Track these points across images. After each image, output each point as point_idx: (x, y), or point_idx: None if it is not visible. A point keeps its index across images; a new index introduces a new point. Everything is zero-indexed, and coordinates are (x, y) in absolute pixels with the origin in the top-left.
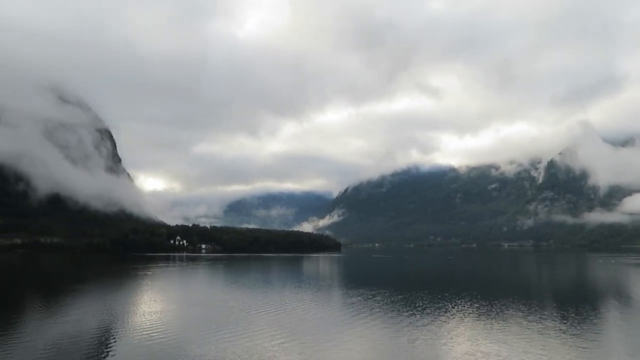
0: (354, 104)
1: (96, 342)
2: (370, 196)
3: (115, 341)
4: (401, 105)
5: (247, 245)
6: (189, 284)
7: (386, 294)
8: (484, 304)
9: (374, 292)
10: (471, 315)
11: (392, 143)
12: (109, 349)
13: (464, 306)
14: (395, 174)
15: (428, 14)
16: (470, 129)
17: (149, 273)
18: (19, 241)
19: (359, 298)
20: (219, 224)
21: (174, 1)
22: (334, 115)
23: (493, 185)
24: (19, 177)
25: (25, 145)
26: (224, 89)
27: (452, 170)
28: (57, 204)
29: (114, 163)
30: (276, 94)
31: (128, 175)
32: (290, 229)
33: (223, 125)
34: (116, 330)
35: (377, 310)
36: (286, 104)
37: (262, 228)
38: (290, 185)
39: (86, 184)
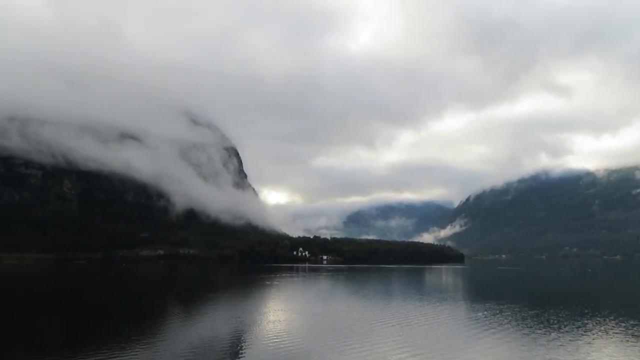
0: (473, 109)
1: (228, 348)
2: (494, 205)
3: (244, 348)
4: (525, 107)
5: (366, 256)
6: (311, 294)
7: (516, 309)
8: (632, 324)
9: (502, 307)
10: (616, 336)
11: (517, 148)
12: (239, 356)
13: (607, 325)
14: (521, 181)
15: (550, 8)
16: (608, 128)
17: (274, 283)
18: (161, 252)
19: (486, 312)
20: (338, 235)
21: (288, 21)
22: (453, 122)
23: (638, 190)
24: (160, 195)
25: (164, 165)
26: (339, 102)
27: (588, 174)
28: (192, 218)
29: (240, 179)
30: (391, 104)
31: (253, 189)
32: (410, 240)
33: (339, 138)
34: (245, 337)
35: (507, 325)
36: (402, 113)
37: (382, 239)
38: (408, 196)
39: (216, 199)
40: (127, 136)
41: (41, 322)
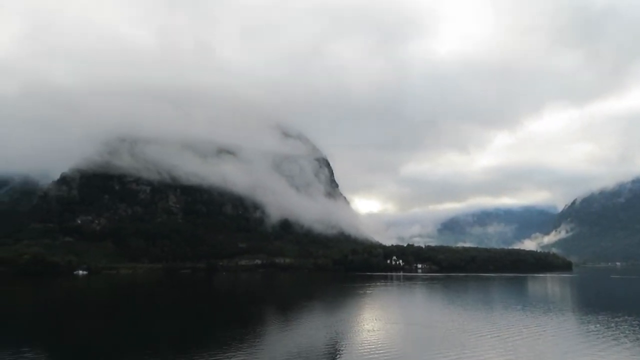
0: (575, 106)
1: (324, 356)
2: (604, 208)
3: (340, 357)
4: (636, 99)
5: (463, 264)
6: (406, 303)
7: (635, 323)
8: None
9: (617, 319)
10: None
11: (630, 145)
12: None
13: None
14: (636, 181)
15: None
16: None
17: (368, 291)
18: (259, 261)
19: (599, 325)
20: (433, 243)
21: (374, 30)
22: (552, 120)
23: None
24: (256, 206)
25: (258, 177)
26: (428, 107)
27: None
28: (287, 228)
29: (332, 188)
30: (484, 106)
31: (344, 199)
32: (510, 247)
33: (430, 143)
34: (341, 346)
35: (624, 340)
36: (496, 114)
37: (479, 247)
38: (507, 201)
39: (309, 209)
40: (223, 151)
41: (156, 326)
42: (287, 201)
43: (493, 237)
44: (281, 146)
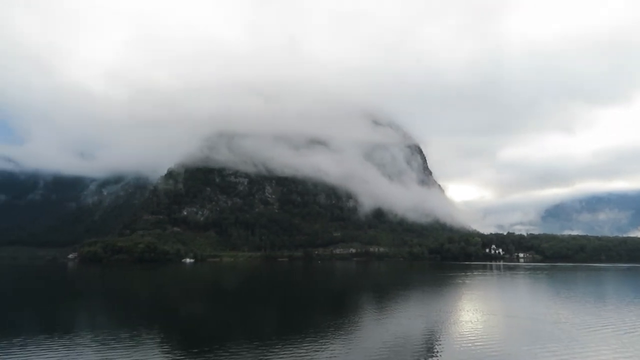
0: None
1: (419, 347)
2: None
3: (436, 348)
4: None
5: (570, 253)
6: (507, 294)
7: None
8: None
9: None
10: None
11: None
12: (433, 354)
13: None
14: None
15: None
16: None
17: (466, 281)
18: (353, 250)
19: None
20: (535, 231)
21: (465, 9)
22: None
23: None
24: (349, 195)
25: (350, 166)
26: (528, 87)
27: None
28: (380, 216)
29: (425, 176)
30: (591, 82)
31: (439, 186)
32: (625, 235)
33: (531, 126)
34: (437, 337)
35: None
36: (604, 91)
37: (588, 235)
38: (621, 184)
39: (402, 198)
40: (315, 142)
41: (256, 312)
42: (380, 190)
43: (605, 225)
44: (372, 135)
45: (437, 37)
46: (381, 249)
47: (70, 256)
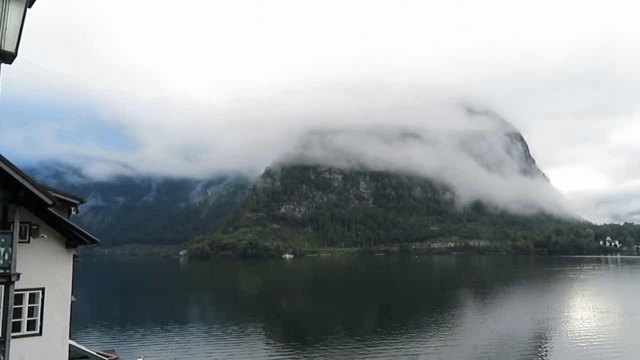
0: None
1: (528, 346)
2: None
3: (545, 347)
4: None
5: None
6: (624, 290)
7: None
8: None
9: None
10: None
11: None
12: (540, 355)
13: None
14: None
15: None
16: None
17: (578, 276)
18: (452, 244)
19: None
20: None
21: None
22: None
23: None
24: (445, 188)
25: (445, 158)
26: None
27: None
28: (479, 209)
29: (528, 165)
30: None
31: (543, 175)
32: None
33: None
34: (546, 335)
35: None
36: None
37: None
38: None
39: (502, 189)
40: (408, 135)
41: (357, 306)
42: (478, 181)
43: None
44: (467, 124)
45: (536, 15)
46: (482, 243)
47: (181, 253)
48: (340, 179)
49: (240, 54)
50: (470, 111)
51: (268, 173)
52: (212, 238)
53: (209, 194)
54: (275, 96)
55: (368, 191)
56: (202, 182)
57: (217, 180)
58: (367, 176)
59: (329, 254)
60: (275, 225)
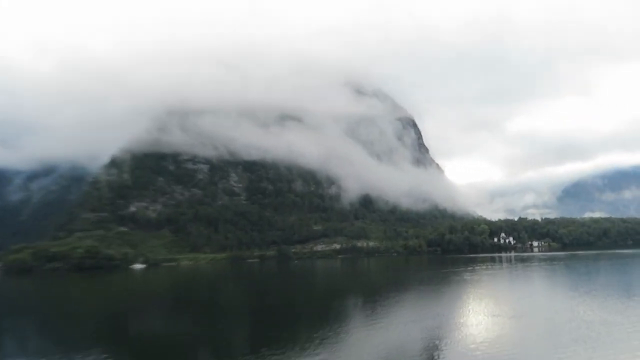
0: None
1: (417, 353)
2: None
3: (434, 356)
4: None
5: (592, 240)
6: (517, 291)
7: None
8: None
9: None
10: None
11: None
12: None
13: None
14: None
15: None
16: None
17: (471, 277)
18: (337, 246)
19: None
20: (552, 214)
21: None
22: None
23: None
24: (331, 180)
25: (330, 145)
26: (542, 46)
27: None
28: (369, 205)
29: (421, 154)
30: (614, 37)
31: (437, 166)
32: None
33: (545, 91)
34: (436, 345)
35: None
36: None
37: (613, 217)
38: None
39: (394, 181)
40: (287, 117)
41: (223, 326)
42: (367, 172)
43: (631, 205)
44: (355, 106)
45: None
46: (371, 244)
47: None
48: (205, 170)
49: (77, 10)
50: (359, 92)
51: (114, 162)
52: (36, 246)
53: (33, 189)
54: (123, 65)
55: (240, 185)
56: (23, 173)
57: (44, 172)
58: (239, 167)
59: (192, 262)
60: (122, 228)
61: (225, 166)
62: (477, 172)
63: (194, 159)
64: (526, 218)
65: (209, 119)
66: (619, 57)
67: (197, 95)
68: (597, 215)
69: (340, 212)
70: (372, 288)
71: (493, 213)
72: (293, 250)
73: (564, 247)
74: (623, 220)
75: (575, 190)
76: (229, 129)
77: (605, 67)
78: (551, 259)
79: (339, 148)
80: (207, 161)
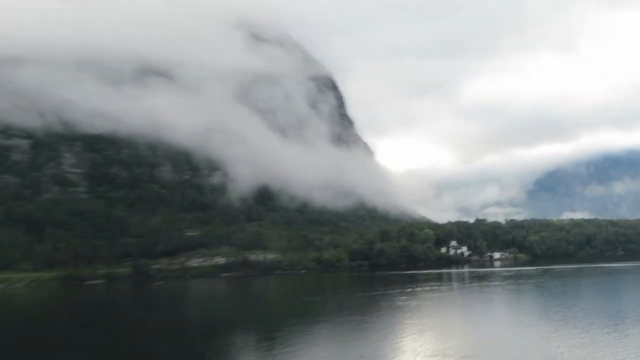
0: None
1: None
2: None
3: None
4: None
5: (573, 249)
6: (471, 320)
7: None
8: None
9: None
10: None
11: None
12: None
13: None
14: None
15: None
16: None
17: (409, 303)
18: (222, 260)
19: None
20: (520, 215)
21: None
22: None
23: None
24: (213, 165)
25: (214, 114)
26: None
27: None
28: (267, 200)
29: (343, 128)
30: None
31: (365, 146)
32: None
33: (512, 44)
34: None
35: None
36: None
37: (599, 218)
38: None
39: (304, 167)
40: (149, 72)
41: None
42: (266, 155)
43: (623, 202)
44: (251, 59)
45: None
46: (270, 256)
47: None
48: (25, 148)
49: None
50: (257, 38)
51: None
52: None
53: None
54: None
55: (78, 170)
56: None
57: None
58: (77, 143)
59: (3, 285)
60: None
61: (55, 142)
62: (419, 156)
63: (6, 131)
64: (485, 220)
65: (32, 72)
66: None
67: (14, 37)
68: (579, 215)
69: (227, 211)
70: (270, 322)
71: (441, 213)
72: (156, 266)
73: (534, 259)
74: (612, 223)
75: (552, 182)
76: (61, 88)
77: (595, 13)
78: (517, 277)
79: (226, 119)
80: (27, 134)
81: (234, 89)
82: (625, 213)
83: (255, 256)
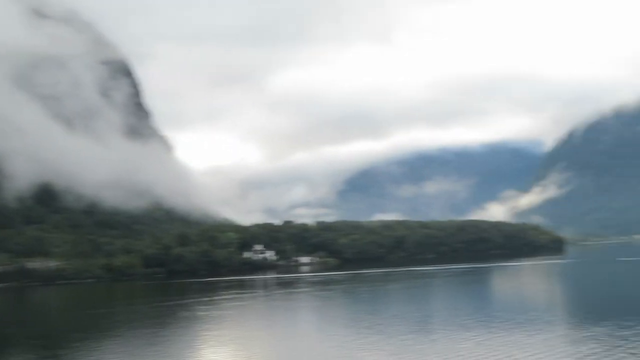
0: None
1: None
2: (622, 143)
3: None
4: None
5: (384, 253)
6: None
7: None
8: None
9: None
10: None
11: None
12: None
13: None
14: None
15: None
16: None
17: (209, 315)
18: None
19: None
20: (330, 216)
21: None
22: None
23: None
24: None
25: None
26: None
27: None
28: (50, 201)
29: (139, 120)
30: None
31: (163, 140)
32: (462, 218)
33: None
34: None
35: None
36: None
37: (410, 220)
38: (461, 134)
39: (93, 163)
40: None
41: None
42: (48, 148)
43: (435, 201)
44: (32, 38)
45: None
46: (52, 264)
47: None
48: None
49: None
50: (39, 14)
51: None
52: None
53: None
54: None
55: None
56: None
57: None
58: None
59: None
60: None
61: None
62: (224, 152)
63: None
64: (293, 222)
65: None
66: None
67: None
68: (390, 217)
69: (0, 212)
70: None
71: (247, 214)
72: None
73: (344, 263)
74: (423, 225)
75: (363, 182)
76: None
77: (412, 4)
78: (325, 282)
79: (1, 106)
80: None
81: (10, 71)
82: (436, 214)
83: (35, 264)
